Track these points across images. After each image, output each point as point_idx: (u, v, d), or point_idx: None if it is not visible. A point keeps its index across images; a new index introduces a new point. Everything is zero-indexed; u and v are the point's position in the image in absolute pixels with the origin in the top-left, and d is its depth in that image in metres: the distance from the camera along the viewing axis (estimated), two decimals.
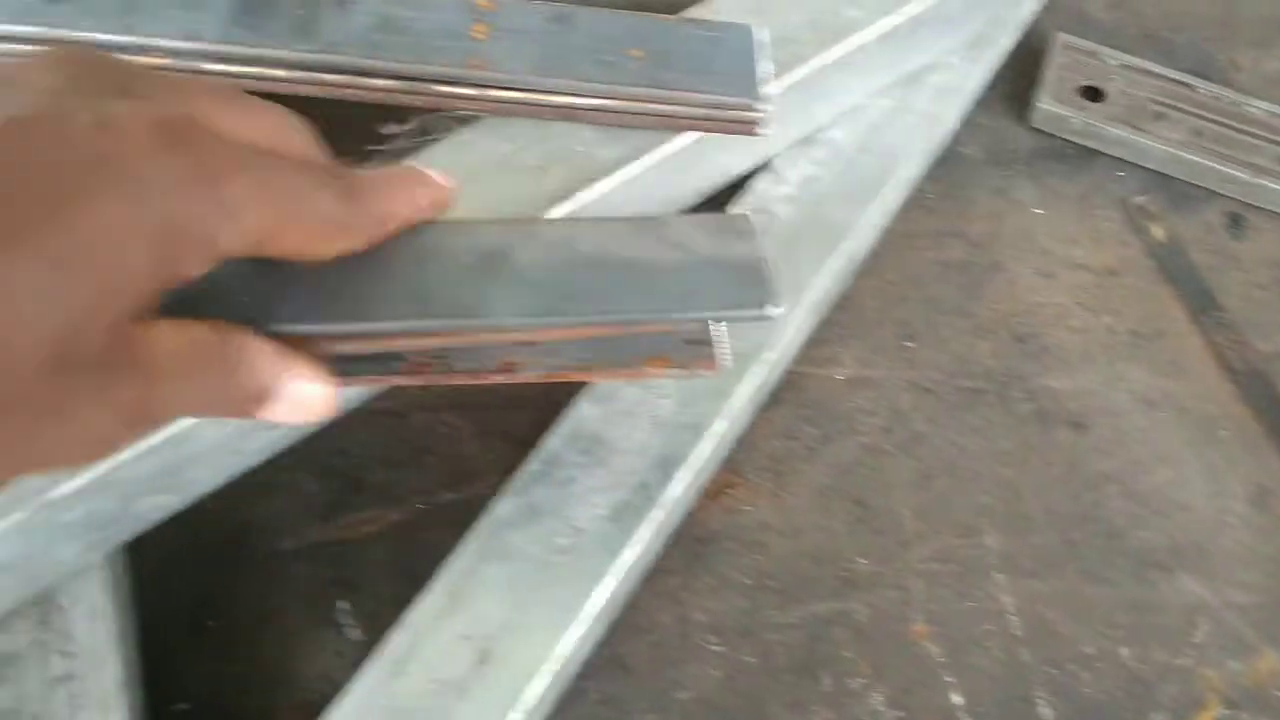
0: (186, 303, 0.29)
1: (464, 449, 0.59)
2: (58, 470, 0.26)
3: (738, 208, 0.60)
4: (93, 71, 0.26)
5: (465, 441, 0.59)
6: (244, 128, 0.29)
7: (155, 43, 0.50)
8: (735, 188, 0.62)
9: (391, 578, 0.55)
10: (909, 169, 0.64)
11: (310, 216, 0.29)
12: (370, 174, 0.34)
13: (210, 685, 0.52)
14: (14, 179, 0.23)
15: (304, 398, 0.30)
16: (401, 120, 0.70)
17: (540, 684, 0.46)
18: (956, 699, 0.53)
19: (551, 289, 0.38)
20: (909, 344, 0.64)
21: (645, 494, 0.51)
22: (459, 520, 0.57)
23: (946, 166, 0.70)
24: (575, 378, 0.44)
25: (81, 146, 0.24)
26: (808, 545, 0.57)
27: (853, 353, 0.63)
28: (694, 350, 0.43)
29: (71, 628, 0.46)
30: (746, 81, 0.52)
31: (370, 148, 0.67)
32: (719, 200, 0.61)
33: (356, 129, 0.68)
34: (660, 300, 0.39)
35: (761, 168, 0.61)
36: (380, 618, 0.54)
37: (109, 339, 0.24)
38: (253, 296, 0.32)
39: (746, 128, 0.53)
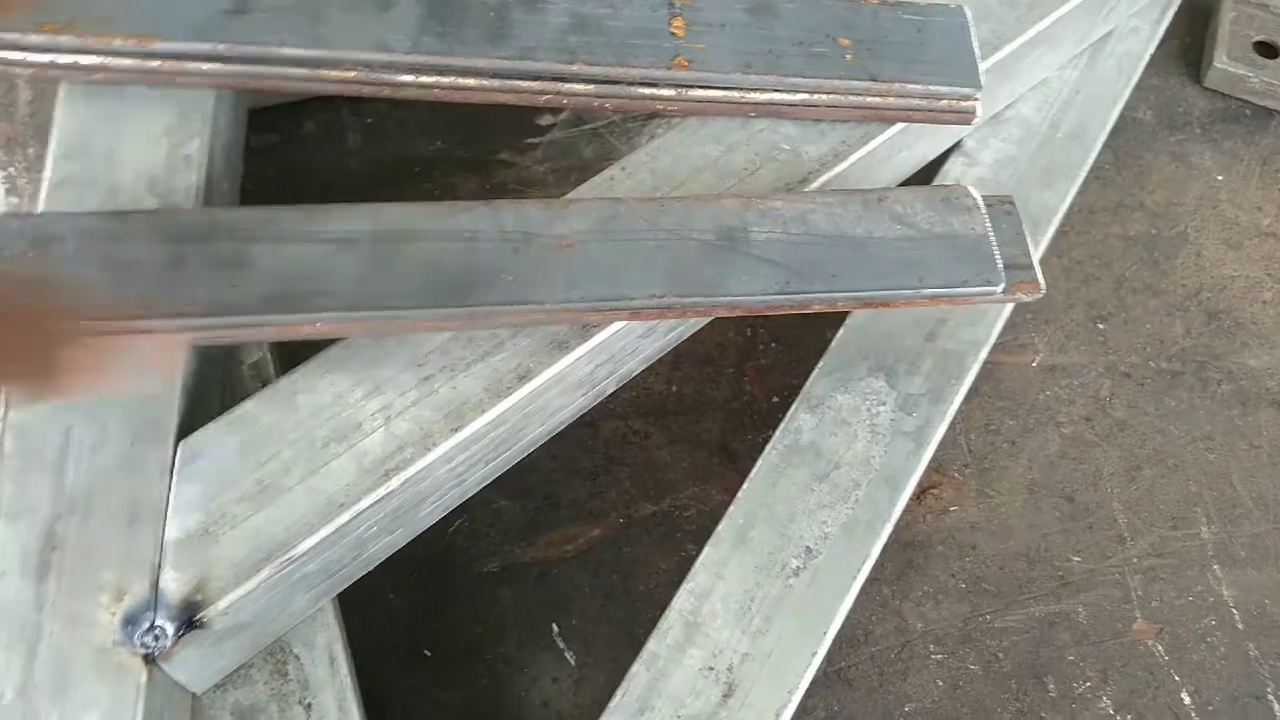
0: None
1: (656, 458, 0.57)
2: None
3: None
4: None
5: (656, 450, 0.57)
6: None
7: (346, 55, 0.47)
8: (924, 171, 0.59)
9: (600, 597, 0.53)
10: (1100, 144, 0.61)
11: None
12: None
13: (434, 716, 0.50)
14: None
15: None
16: (555, 111, 0.67)
17: (787, 715, 0.45)
18: (1185, 699, 0.52)
19: (787, 267, 0.41)
20: (1101, 326, 0.61)
21: (873, 509, 0.49)
22: (661, 533, 0.55)
23: (1119, 132, 0.67)
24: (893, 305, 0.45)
25: None
26: (1019, 545, 0.55)
27: (1045, 338, 0.61)
28: (1015, 275, 0.45)
29: (310, 676, 0.44)
30: (965, 69, 0.49)
31: (528, 140, 0.65)
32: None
33: (512, 121, 0.66)
34: (892, 279, 0.42)
35: (951, 149, 0.58)
36: (593, 640, 0.53)
37: None
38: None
39: (962, 117, 0.50)
